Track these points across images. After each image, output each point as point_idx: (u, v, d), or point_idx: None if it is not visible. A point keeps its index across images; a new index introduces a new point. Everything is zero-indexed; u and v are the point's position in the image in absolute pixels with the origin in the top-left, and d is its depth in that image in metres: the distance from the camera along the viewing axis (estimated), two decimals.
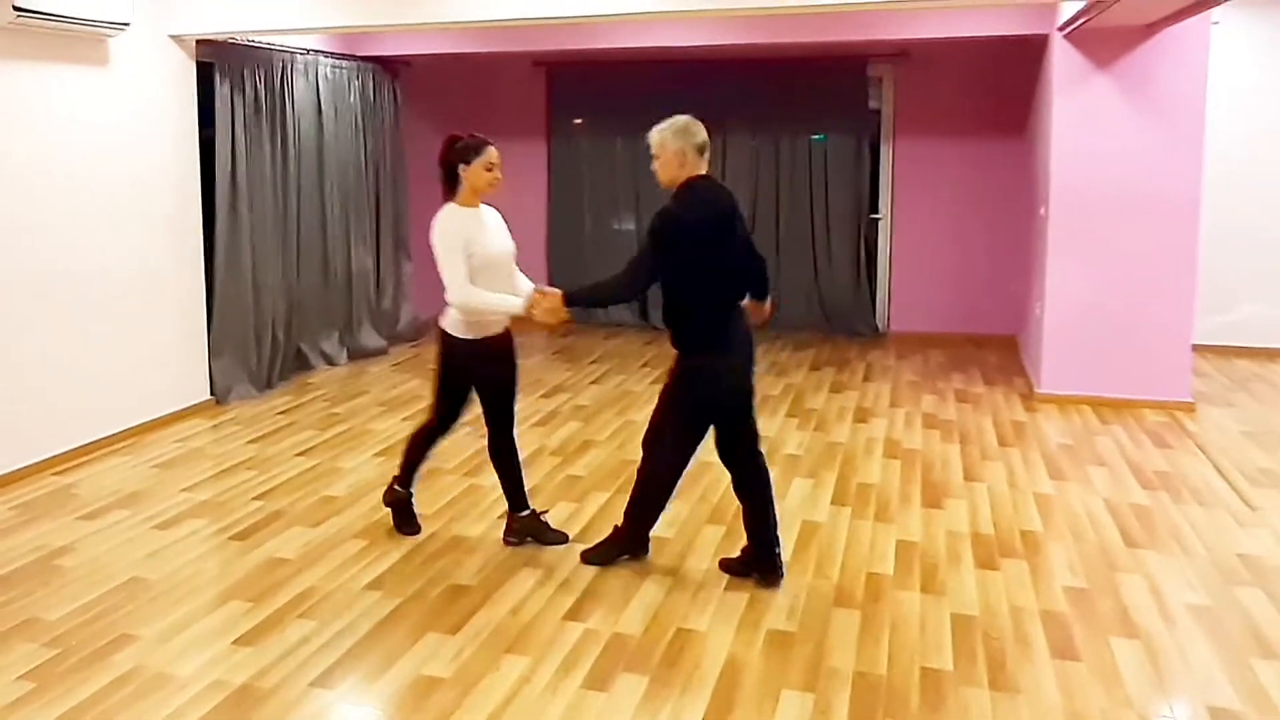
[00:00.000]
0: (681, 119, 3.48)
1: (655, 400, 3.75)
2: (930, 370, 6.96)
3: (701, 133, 3.48)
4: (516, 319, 3.78)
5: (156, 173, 5.59)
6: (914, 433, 5.51)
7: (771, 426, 5.60)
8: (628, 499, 3.79)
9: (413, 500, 4.11)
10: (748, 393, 3.62)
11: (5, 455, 4.70)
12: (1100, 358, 5.98)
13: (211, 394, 6.04)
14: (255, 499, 4.50)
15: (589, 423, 5.73)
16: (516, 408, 3.99)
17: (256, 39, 6.15)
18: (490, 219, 3.83)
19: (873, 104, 8.08)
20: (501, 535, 4.02)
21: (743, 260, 3.62)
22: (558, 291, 3.62)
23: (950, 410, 5.96)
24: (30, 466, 4.80)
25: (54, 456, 4.93)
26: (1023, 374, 6.75)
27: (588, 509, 4.38)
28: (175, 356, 5.77)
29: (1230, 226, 7.09)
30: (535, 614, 3.41)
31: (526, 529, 3.98)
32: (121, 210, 5.36)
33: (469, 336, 3.75)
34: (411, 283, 8.03)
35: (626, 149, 8.50)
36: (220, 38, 5.79)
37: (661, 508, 3.75)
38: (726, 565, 3.75)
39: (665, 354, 3.63)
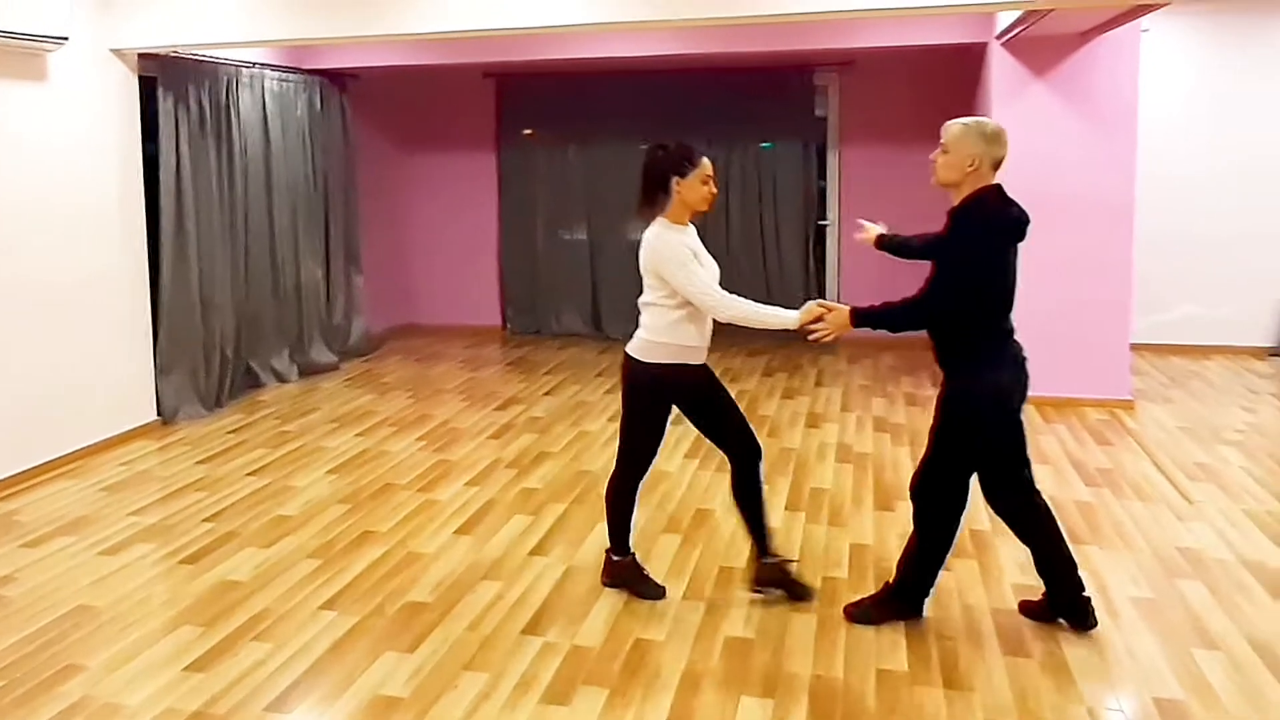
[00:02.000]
0: (991, 123, 3.15)
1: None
2: (881, 374, 7.06)
3: (1006, 146, 3.14)
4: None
5: (99, 189, 5.49)
6: (865, 437, 5.59)
7: None
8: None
9: (638, 560, 3.71)
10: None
11: None
12: (1042, 358, 5.97)
13: (159, 414, 5.93)
14: (205, 521, 4.43)
15: (544, 434, 5.73)
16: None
17: (200, 53, 6.06)
18: (699, 240, 3.46)
19: (819, 112, 8.19)
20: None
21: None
22: (844, 306, 3.29)
23: (900, 414, 6.05)
24: None
25: None
26: None
27: (544, 521, 4.38)
28: (120, 377, 5.67)
29: (1165, 228, 7.31)
30: (494, 629, 3.40)
31: (624, 577, 3.65)
32: (63, 228, 5.26)
33: (668, 361, 3.43)
34: (363, 297, 7.97)
35: (577, 159, 8.53)
36: (163, 52, 5.71)
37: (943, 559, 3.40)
38: (1027, 608, 3.46)
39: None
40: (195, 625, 3.45)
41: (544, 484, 4.86)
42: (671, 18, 4.89)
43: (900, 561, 3.44)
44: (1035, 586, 3.64)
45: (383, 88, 8.36)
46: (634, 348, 3.46)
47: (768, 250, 8.24)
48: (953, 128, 3.17)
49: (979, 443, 3.23)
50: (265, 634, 3.38)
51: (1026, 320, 5.45)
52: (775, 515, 4.40)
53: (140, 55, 5.69)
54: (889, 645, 3.26)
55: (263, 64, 6.79)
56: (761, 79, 7.97)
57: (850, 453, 5.29)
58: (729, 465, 3.56)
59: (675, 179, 3.32)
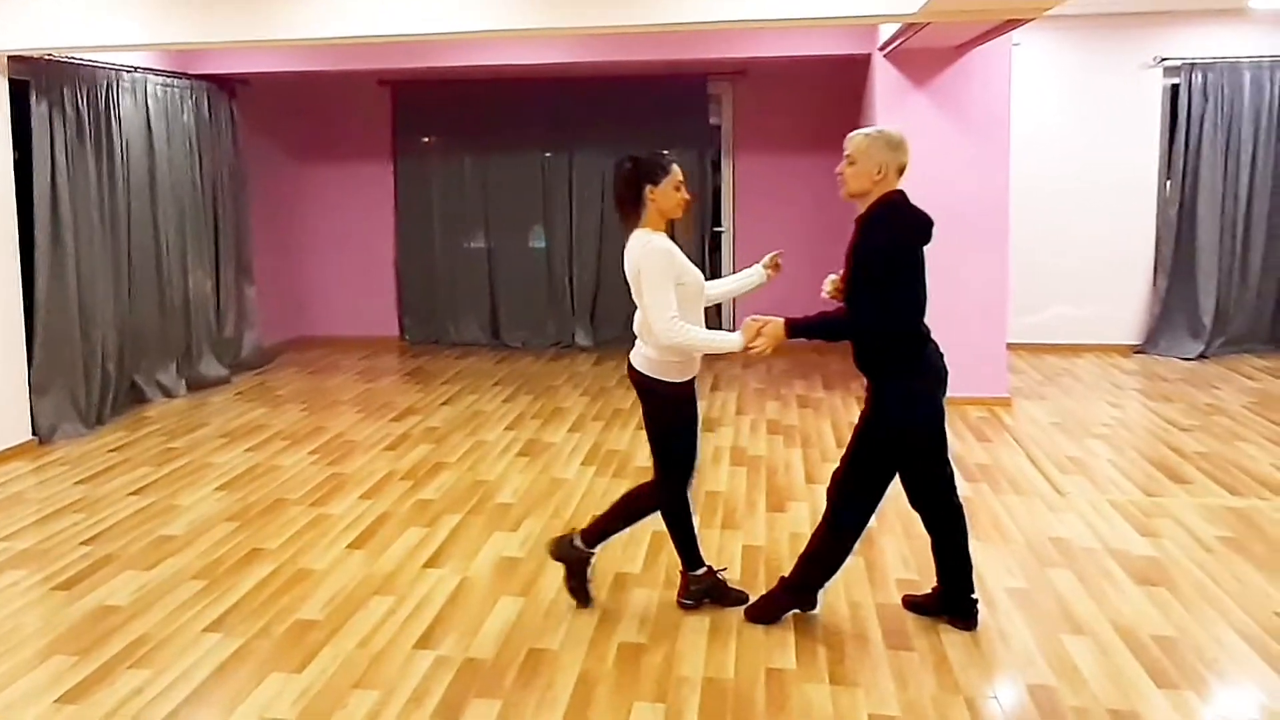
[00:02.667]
0: (895, 132, 3.25)
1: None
2: (774, 378, 7.21)
3: (908, 153, 3.27)
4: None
5: None
6: (759, 439, 5.70)
7: (623, 439, 5.69)
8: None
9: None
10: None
11: None
12: None
13: (34, 434, 5.68)
14: (83, 544, 4.26)
15: (440, 444, 5.68)
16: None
17: (77, 56, 5.83)
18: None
19: (713, 120, 8.32)
20: (675, 598, 3.64)
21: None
22: (779, 320, 3.27)
23: (794, 416, 6.19)
24: None
25: None
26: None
27: (439, 533, 4.35)
28: None
29: (1038, 233, 7.68)
30: (385, 644, 3.36)
31: (704, 589, 3.62)
32: None
33: (683, 379, 3.42)
34: (255, 308, 7.77)
35: (475, 167, 8.49)
36: (36, 54, 5.47)
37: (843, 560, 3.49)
38: (911, 602, 3.55)
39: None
40: (68, 654, 3.32)
41: (440, 494, 4.83)
42: (566, 25, 4.92)
43: (802, 556, 3.51)
44: (919, 582, 3.78)
45: (274, 94, 8.17)
46: (649, 368, 3.43)
47: None
48: (857, 139, 3.24)
49: (908, 447, 3.32)
50: (144, 660, 3.27)
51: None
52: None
53: (11, 58, 5.44)
54: (778, 644, 3.34)
55: (145, 68, 6.57)
56: (657, 87, 8.06)
57: (744, 455, 5.39)
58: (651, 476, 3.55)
59: (649, 187, 3.33)
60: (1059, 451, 5.38)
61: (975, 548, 4.06)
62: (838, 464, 3.47)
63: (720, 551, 4.12)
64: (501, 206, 8.46)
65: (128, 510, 4.67)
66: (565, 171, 8.36)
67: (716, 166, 8.38)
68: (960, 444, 5.53)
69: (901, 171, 3.26)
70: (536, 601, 3.67)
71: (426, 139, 8.59)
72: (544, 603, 3.66)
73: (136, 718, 2.95)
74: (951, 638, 3.36)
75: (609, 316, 8.39)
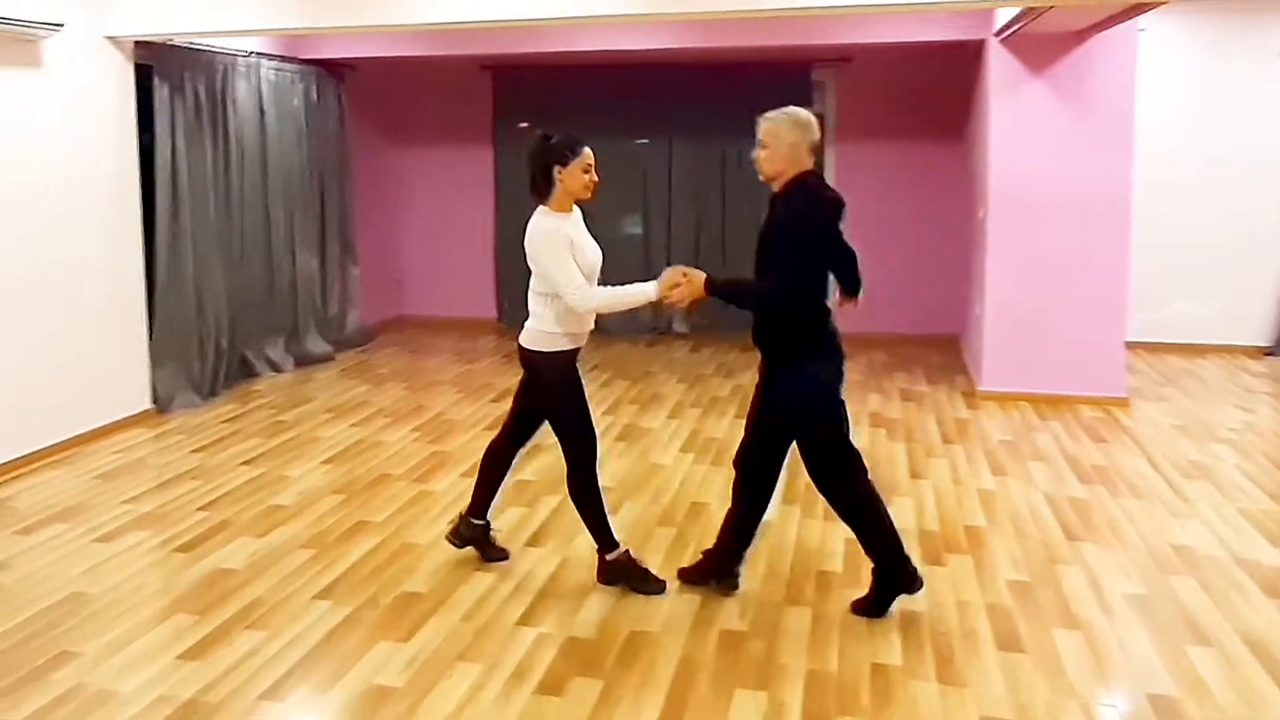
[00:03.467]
0: (801, 111, 3.27)
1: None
2: (875, 370, 7.07)
3: (817, 130, 3.30)
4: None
5: (94, 178, 5.47)
6: (860, 431, 5.59)
7: (721, 428, 5.65)
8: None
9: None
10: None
11: None
12: (1038, 355, 6.13)
13: (153, 403, 5.91)
14: (199, 509, 4.42)
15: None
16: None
17: (196, 41, 6.04)
18: (582, 223, 3.54)
19: (816, 108, 8.17)
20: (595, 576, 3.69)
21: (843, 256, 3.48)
22: (701, 274, 3.33)
23: (895, 409, 6.06)
24: None
25: None
26: (965, 372, 6.89)
27: (539, 513, 4.38)
28: (115, 365, 5.65)
29: (1161, 226, 7.32)
30: (488, 619, 3.40)
31: (620, 571, 3.64)
32: (59, 217, 5.23)
33: (570, 348, 3.49)
34: (358, 288, 7.95)
35: None
36: (159, 40, 5.68)
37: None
38: (858, 607, 3.48)
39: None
40: (189, 613, 3.44)
41: (539, 476, 4.86)
42: (670, 11, 4.89)
43: (722, 529, 3.61)
44: (1030, 583, 3.66)
45: (379, 79, 8.34)
46: (532, 341, 3.49)
47: None
48: (766, 123, 3.28)
49: (806, 427, 3.38)
50: (259, 622, 3.37)
51: (1023, 317, 5.48)
52: (771, 508, 4.39)
53: (136, 43, 5.66)
54: (883, 639, 3.27)
55: (259, 53, 6.76)
56: (758, 74, 7.95)
57: None
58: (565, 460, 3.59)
59: (557, 168, 3.40)
60: (1181, 455, 5.14)
61: (1091, 551, 3.96)
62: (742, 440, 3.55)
63: (822, 544, 4.05)
64: (600, 192, 8.41)
65: (240, 479, 4.82)
66: (664, 158, 8.32)
67: (819, 155, 8.21)
68: (1075, 444, 5.33)
69: (814, 150, 3.30)
70: None
71: (524, 124, 8.65)
72: None
73: (253, 677, 3.04)
74: (1066, 642, 3.24)
75: (705, 305, 8.31)
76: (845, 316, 3.55)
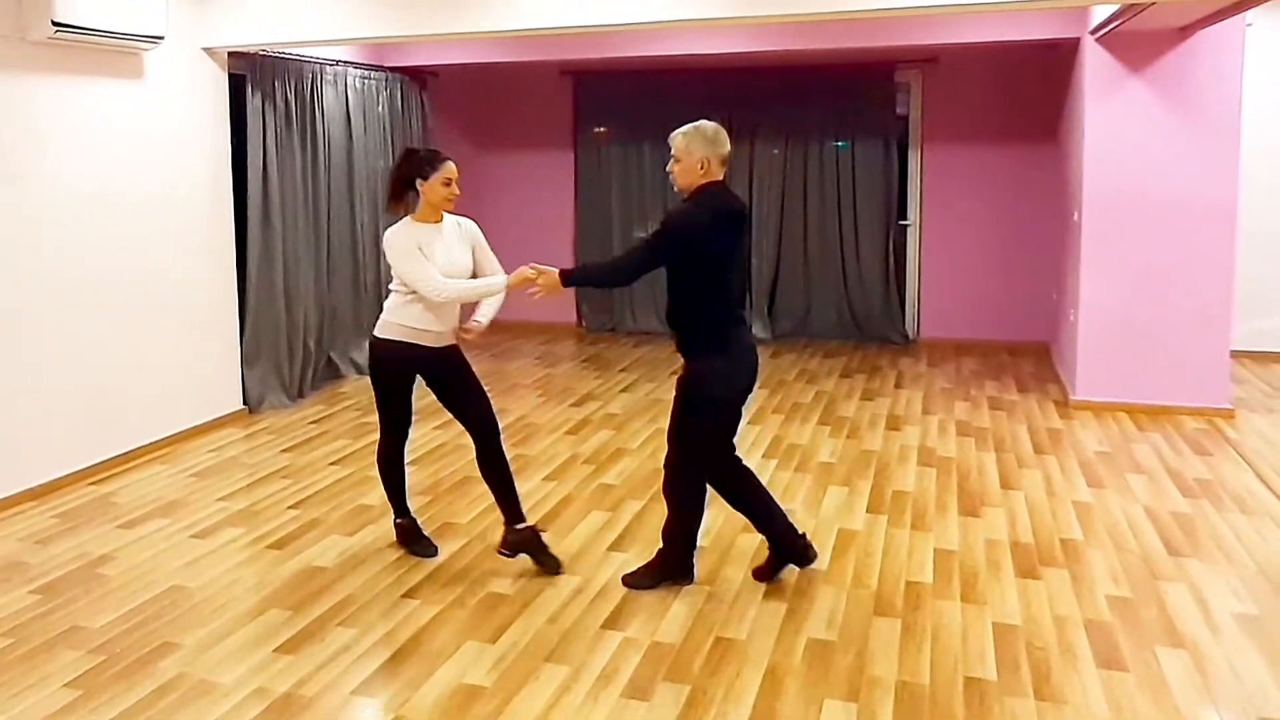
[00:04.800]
0: (709, 125, 3.44)
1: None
2: (962, 377, 6.91)
3: (727, 143, 3.47)
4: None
5: (191, 184, 5.65)
6: (948, 440, 5.46)
7: (804, 434, 5.57)
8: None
9: (416, 523, 4.12)
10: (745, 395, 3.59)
11: (45, 464, 4.74)
12: (1136, 364, 5.91)
13: (245, 403, 6.08)
14: (290, 508, 4.52)
15: (620, 431, 5.72)
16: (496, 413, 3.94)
17: (286, 51, 6.20)
18: (450, 234, 3.77)
19: (900, 110, 8.05)
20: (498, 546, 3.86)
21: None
22: (554, 269, 3.59)
23: (984, 418, 5.91)
24: (69, 475, 4.84)
25: (92, 465, 4.97)
26: (1057, 381, 6.68)
27: (622, 518, 4.37)
28: (209, 366, 5.82)
29: (1269, 230, 7.01)
30: (573, 622, 3.40)
31: (521, 543, 3.82)
32: (157, 222, 5.42)
33: (393, 338, 3.79)
34: None
35: (654, 156, 8.51)
36: (251, 50, 5.85)
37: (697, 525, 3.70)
38: (759, 573, 3.73)
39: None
40: (283, 609, 3.52)
41: (621, 480, 4.86)
42: (749, 14, 4.85)
43: (763, 533, 3.70)
44: (1132, 599, 3.53)
45: (462, 85, 8.46)
46: (378, 329, 3.83)
47: (846, 250, 8.12)
48: (677, 139, 3.44)
49: (704, 419, 3.50)
50: (350, 619, 3.43)
51: (1120, 324, 5.27)
52: (857, 517, 4.33)
53: (230, 54, 5.83)
54: (976, 653, 3.18)
55: (345, 61, 6.91)
56: (841, 76, 7.86)
57: (933, 456, 5.18)
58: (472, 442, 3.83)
59: (419, 180, 3.65)
60: None
61: (1196, 568, 3.80)
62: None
63: (911, 553, 3.96)
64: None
65: (329, 479, 4.92)
66: (745, 162, 8.27)
67: (903, 158, 8.09)
68: (1177, 458, 5.12)
69: (724, 162, 3.46)
70: (720, 591, 3.63)
71: (601, 129, 8.69)
72: (728, 593, 3.61)
73: (346, 672, 3.09)
74: (1171, 662, 3.11)
75: (787, 310, 8.26)
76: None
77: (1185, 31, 5.60)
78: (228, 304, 5.99)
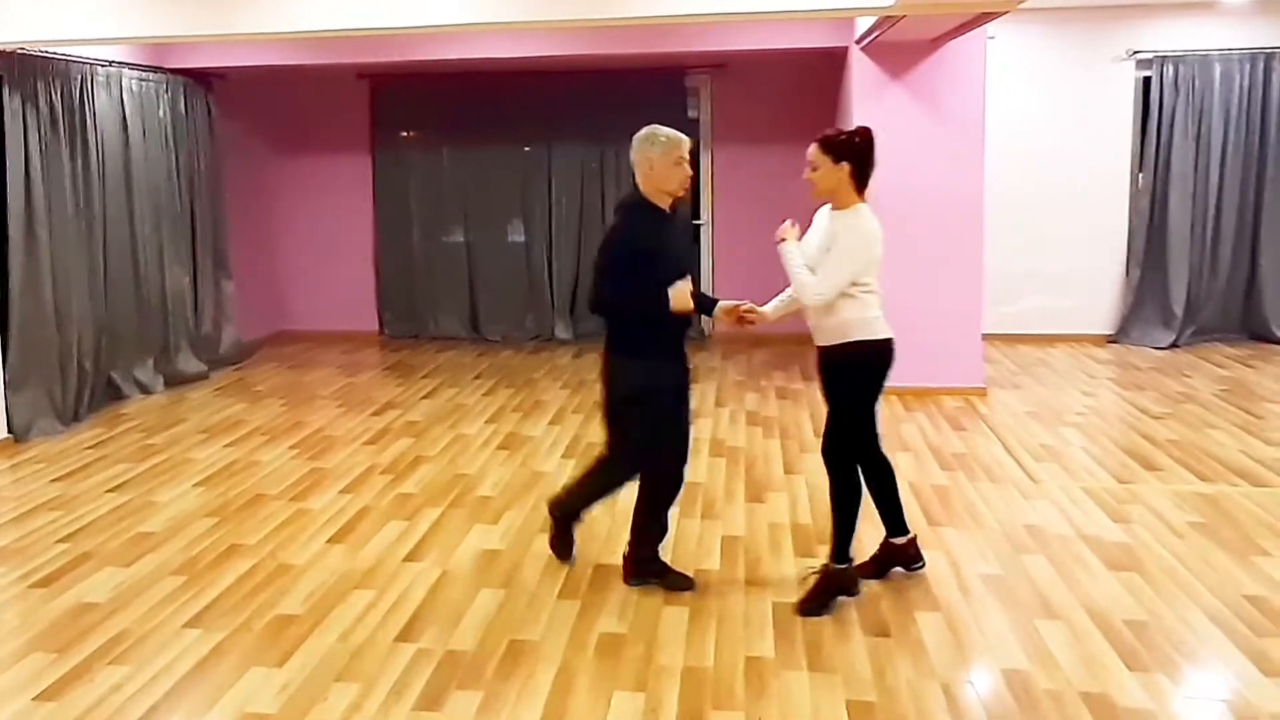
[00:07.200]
0: (657, 131, 3.60)
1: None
2: (754, 369, 7.25)
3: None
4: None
5: None
6: (738, 430, 5.73)
7: (601, 432, 5.69)
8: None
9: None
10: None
11: None
12: (902, 350, 6.28)
13: (9, 431, 5.64)
14: (60, 541, 4.24)
15: (420, 438, 5.68)
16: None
17: (51, 50, 5.77)
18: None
19: (691, 113, 8.33)
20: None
21: None
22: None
23: (772, 407, 6.23)
24: None
25: None
26: None
27: (420, 526, 4.36)
28: None
29: (1013, 224, 7.74)
30: (366, 638, 3.37)
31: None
32: None
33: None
34: (233, 303, 7.73)
35: (454, 161, 8.46)
36: (9, 48, 5.41)
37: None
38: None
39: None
40: (47, 651, 3.31)
41: (420, 488, 4.83)
42: (544, 18, 4.92)
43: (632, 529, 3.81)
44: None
45: (252, 88, 8.12)
46: (857, 332, 3.97)
47: None
48: (632, 145, 3.58)
49: (635, 407, 3.64)
50: (123, 656, 3.27)
51: (887, 314, 5.60)
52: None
53: None
54: (758, 633, 3.37)
55: (120, 62, 6.51)
56: (635, 80, 8.05)
57: (723, 446, 5.42)
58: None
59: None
60: (1033, 440, 5.45)
61: (950, 535, 4.16)
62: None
63: (700, 541, 4.15)
64: (480, 200, 8.45)
65: (106, 507, 4.65)
66: (544, 165, 8.36)
67: (695, 160, 8.37)
68: (936, 433, 5.59)
69: (678, 165, 3.57)
70: (517, 593, 3.69)
71: (405, 133, 8.56)
72: (525, 594, 3.68)
73: (116, 714, 2.94)
74: (928, 624, 3.40)
75: (588, 311, 8.38)
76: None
77: (936, 43, 6.09)
78: None
